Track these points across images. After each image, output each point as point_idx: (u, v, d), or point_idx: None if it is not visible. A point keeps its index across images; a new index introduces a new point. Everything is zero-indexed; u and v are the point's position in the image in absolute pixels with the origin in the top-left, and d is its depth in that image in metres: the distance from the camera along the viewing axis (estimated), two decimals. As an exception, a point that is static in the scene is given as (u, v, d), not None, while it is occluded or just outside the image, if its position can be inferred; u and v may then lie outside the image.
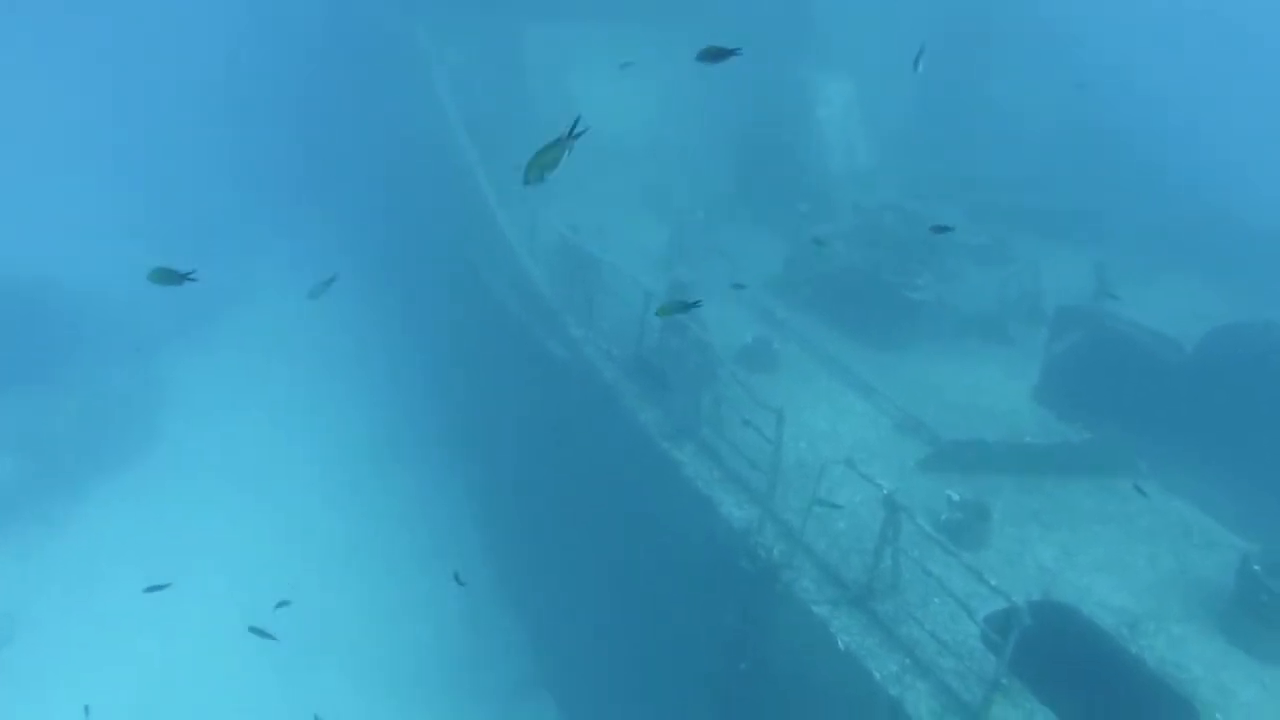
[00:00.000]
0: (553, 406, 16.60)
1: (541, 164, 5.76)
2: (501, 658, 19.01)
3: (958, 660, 9.93)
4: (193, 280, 7.09)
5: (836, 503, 11.54)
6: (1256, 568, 10.78)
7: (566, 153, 5.74)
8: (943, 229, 11.71)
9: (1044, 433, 14.57)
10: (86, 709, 14.60)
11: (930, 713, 9.52)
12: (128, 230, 32.08)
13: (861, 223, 18.37)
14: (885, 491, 10.33)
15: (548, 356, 16.14)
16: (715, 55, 7.49)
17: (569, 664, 17.55)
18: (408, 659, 19.11)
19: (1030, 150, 24.91)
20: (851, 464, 11.08)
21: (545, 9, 24.13)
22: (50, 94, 36.81)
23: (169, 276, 7.58)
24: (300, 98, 33.71)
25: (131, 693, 17.80)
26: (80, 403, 23.72)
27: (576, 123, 5.95)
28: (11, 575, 19.95)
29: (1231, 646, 10.83)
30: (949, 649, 9.97)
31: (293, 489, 22.39)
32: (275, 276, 31.63)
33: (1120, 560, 11.98)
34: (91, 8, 38.20)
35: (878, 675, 9.94)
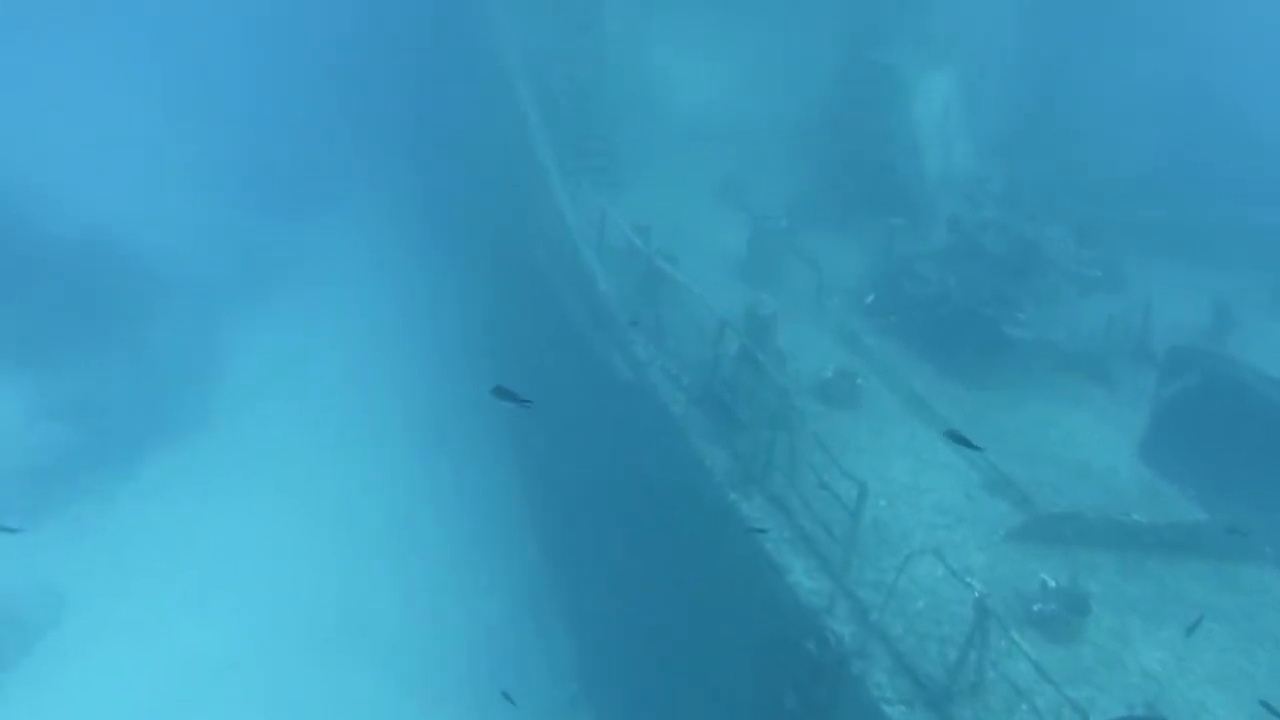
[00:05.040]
0: (613, 426, 15.60)
1: None
2: (546, 672, 18.27)
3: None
4: None
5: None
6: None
7: None
8: None
9: (1148, 498, 13.21)
10: None
11: None
12: (187, 183, 31.52)
13: (958, 242, 16.91)
14: (976, 594, 9.20)
15: (611, 374, 15.10)
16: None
17: (616, 682, 16.69)
18: (448, 659, 18.45)
19: (1151, 148, 22.90)
20: (939, 555, 9.94)
21: None
22: (109, 40, 36.14)
23: None
24: (372, 62, 32.84)
25: (171, 680, 17.37)
26: (139, 370, 23.27)
27: None
28: (63, 552, 19.56)
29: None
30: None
31: (339, 473, 21.77)
32: (339, 238, 31.02)
33: (1241, 670, 10.65)
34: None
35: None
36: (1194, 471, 13.66)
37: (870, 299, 16.77)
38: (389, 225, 31.03)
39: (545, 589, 18.76)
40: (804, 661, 10.42)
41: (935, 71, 21.74)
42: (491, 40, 21.86)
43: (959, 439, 8.88)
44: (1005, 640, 9.30)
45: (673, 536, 13.70)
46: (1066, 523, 12.24)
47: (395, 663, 18.08)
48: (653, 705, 14.62)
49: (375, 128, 32.96)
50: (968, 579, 9.57)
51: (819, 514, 11.52)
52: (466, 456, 21.77)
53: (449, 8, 25.75)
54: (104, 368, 22.78)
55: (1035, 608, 10.83)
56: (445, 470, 21.88)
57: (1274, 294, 18.95)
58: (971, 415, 14.50)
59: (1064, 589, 10.92)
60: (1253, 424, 13.63)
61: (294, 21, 37.24)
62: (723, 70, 22.33)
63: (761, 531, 11.34)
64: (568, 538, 17.94)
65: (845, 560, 10.90)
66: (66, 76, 33.37)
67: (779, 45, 22.67)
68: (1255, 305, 18.27)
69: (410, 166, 31.01)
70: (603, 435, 15.93)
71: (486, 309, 23.34)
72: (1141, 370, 15.87)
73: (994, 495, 12.98)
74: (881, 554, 11.52)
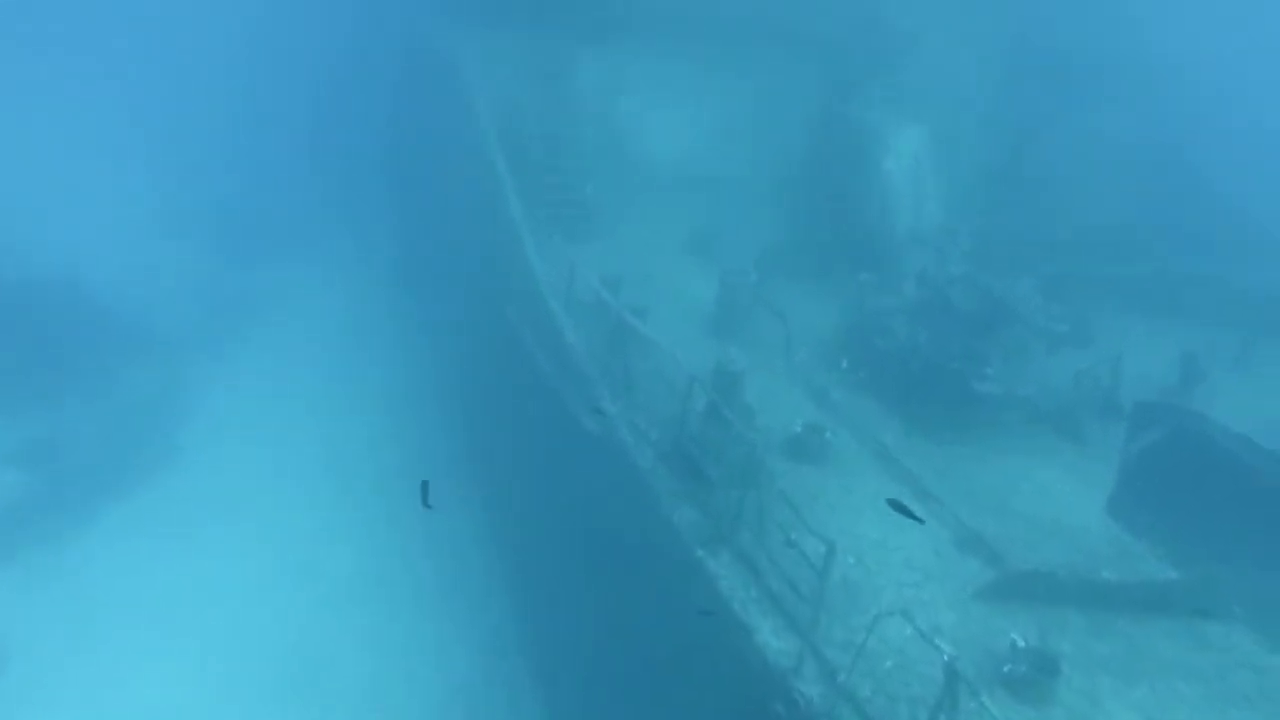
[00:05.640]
0: (581, 481, 15.42)
1: None
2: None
3: None
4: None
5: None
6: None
7: None
8: None
9: (1119, 556, 13.15)
10: None
11: None
12: (155, 228, 31.36)
13: (926, 297, 16.97)
14: (946, 658, 9.06)
15: (578, 428, 14.95)
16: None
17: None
18: (416, 712, 18.05)
19: (1117, 204, 23.19)
20: (908, 616, 9.80)
21: (602, 32, 22.82)
22: (79, 86, 36.14)
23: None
24: (344, 112, 32.97)
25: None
26: (99, 415, 22.85)
27: None
28: (9, 600, 19.03)
29: None
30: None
31: (303, 521, 21.45)
32: (308, 285, 30.88)
33: (1212, 731, 10.55)
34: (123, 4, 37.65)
35: None
36: (1162, 526, 13.63)
37: (845, 364, 16.70)
38: (359, 273, 30.98)
39: (514, 642, 18.43)
40: (773, 722, 10.23)
41: (907, 127, 21.98)
42: (462, 90, 21.90)
43: (901, 509, 8.72)
44: (975, 703, 9.13)
45: (640, 593, 13.49)
46: (1037, 580, 12.14)
47: (362, 716, 17.68)
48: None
49: (347, 176, 32.98)
50: (937, 641, 9.44)
51: (787, 572, 11.37)
52: (436, 507, 21.44)
53: (421, 58, 25.85)
54: (64, 412, 22.32)
55: (1005, 668, 10.68)
56: (414, 521, 21.54)
57: (1239, 349, 19.11)
58: (941, 470, 14.46)
59: (1034, 649, 10.77)
60: (1218, 479, 13.60)
61: (266, 71, 37.40)
62: (695, 123, 22.49)
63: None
64: (537, 592, 17.67)
65: (814, 619, 10.73)
66: (33, 121, 33.27)
67: (752, 98, 22.88)
68: (1221, 360, 18.40)
69: (382, 216, 30.98)
70: (571, 489, 15.74)
71: (457, 358, 23.16)
72: (1111, 425, 15.88)
73: (964, 552, 12.88)
74: (850, 612, 11.37)
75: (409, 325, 27.17)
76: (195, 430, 24.35)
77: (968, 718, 9.39)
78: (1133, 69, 24.81)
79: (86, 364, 23.85)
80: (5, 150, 30.36)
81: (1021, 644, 10.87)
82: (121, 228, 30.57)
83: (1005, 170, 22.92)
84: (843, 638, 10.93)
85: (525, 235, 18.06)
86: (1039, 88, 24.09)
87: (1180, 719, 10.64)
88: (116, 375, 24.16)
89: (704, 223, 21.43)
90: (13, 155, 30.32)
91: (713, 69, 22.88)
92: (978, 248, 18.80)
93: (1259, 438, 13.67)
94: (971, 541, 12.97)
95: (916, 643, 10.51)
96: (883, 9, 23.13)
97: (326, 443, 23.88)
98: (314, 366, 26.75)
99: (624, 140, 22.38)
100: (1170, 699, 10.92)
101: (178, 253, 30.64)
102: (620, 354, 15.02)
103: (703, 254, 20.86)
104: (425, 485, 6.33)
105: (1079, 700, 10.73)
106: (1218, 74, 25.93)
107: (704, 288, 18.98)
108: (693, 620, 12.00)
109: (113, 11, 37.60)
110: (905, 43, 22.66)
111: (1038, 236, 20.99)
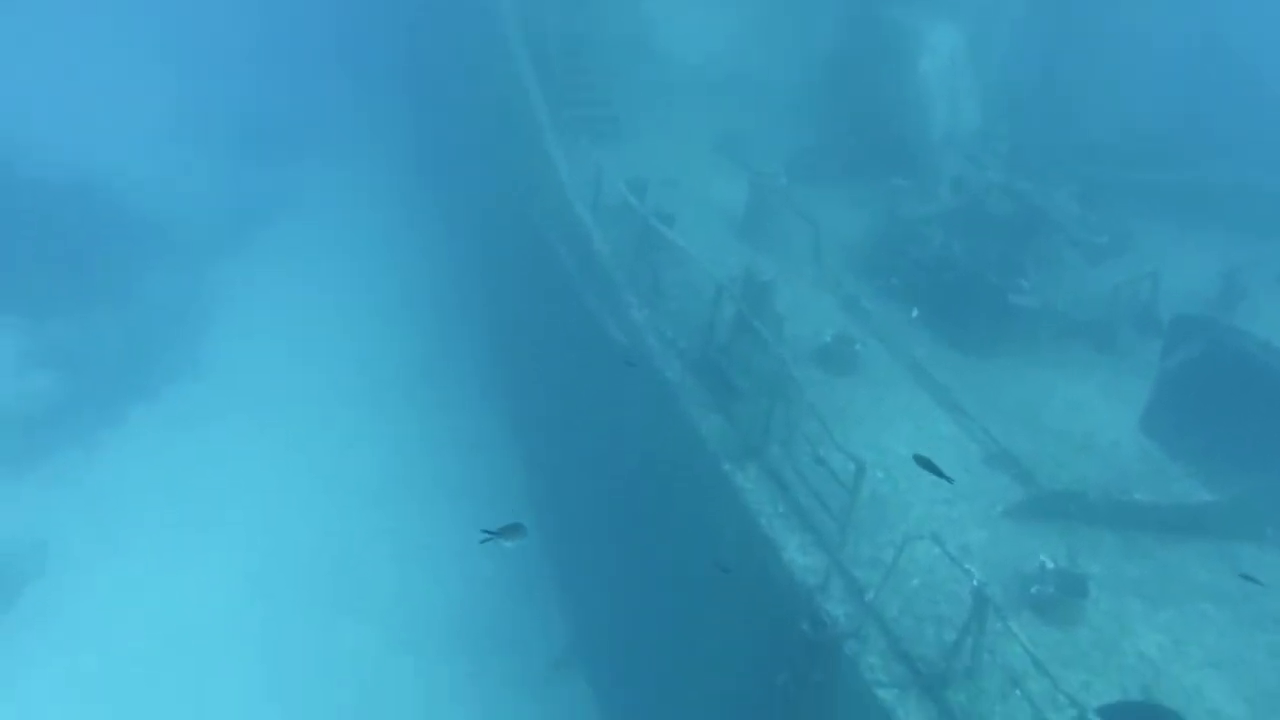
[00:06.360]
0: (606, 390, 15.29)
1: None
2: (536, 624, 18.18)
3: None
4: None
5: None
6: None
7: None
8: None
9: (1152, 474, 12.97)
10: None
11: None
12: (174, 131, 30.96)
13: (963, 204, 16.48)
14: (975, 583, 8.98)
15: (604, 335, 14.77)
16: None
17: (607, 651, 16.60)
18: (438, 615, 18.34)
19: (1162, 107, 22.27)
20: (937, 539, 9.69)
21: None
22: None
23: None
24: (364, 8, 32.10)
25: (156, 635, 17.20)
26: (124, 318, 22.91)
27: None
28: (46, 501, 19.34)
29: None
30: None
31: (329, 421, 21.59)
32: (330, 185, 30.52)
33: (1238, 655, 10.44)
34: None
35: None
36: (1196, 444, 13.39)
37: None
38: (381, 174, 30.59)
39: (539, 547, 18.58)
40: (798, 641, 10.22)
41: (942, 25, 21.03)
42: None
43: (929, 467, 8.50)
44: (1002, 625, 9.08)
45: (666, 506, 13.48)
46: (1067, 500, 12.00)
47: (389, 616, 17.99)
48: (644, 674, 14.50)
49: (367, 75, 32.31)
50: (966, 565, 9.34)
51: (815, 487, 11.26)
52: (461, 409, 21.53)
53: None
54: (91, 315, 22.48)
55: (1033, 590, 10.61)
56: (439, 422, 21.63)
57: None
58: (974, 384, 14.25)
59: (1062, 570, 10.69)
60: (1256, 395, 13.31)
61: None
62: (723, 19, 21.63)
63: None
64: (562, 499, 17.73)
65: (841, 538, 10.66)
66: (51, 24, 32.64)
67: None
68: (1265, 272, 17.87)
69: (403, 115, 30.42)
70: (596, 398, 15.64)
71: (482, 261, 22.90)
72: (1148, 339, 15.53)
73: (994, 469, 12.74)
74: (878, 529, 11.29)
75: (432, 227, 26.88)
76: (219, 332, 24.42)
77: (995, 638, 9.37)
78: None
79: (110, 268, 23.87)
80: (24, 56, 29.83)
81: (1050, 565, 10.78)
82: (141, 130, 30.18)
83: (1044, 72, 21.95)
84: (870, 555, 10.89)
85: (550, 136, 17.62)
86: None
87: (1207, 641, 10.58)
88: (140, 279, 24.22)
89: (732, 125, 20.83)
90: (32, 60, 29.82)
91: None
92: (1014, 154, 18.18)
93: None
94: (1002, 458, 12.82)
95: (943, 561, 10.42)
96: None
97: (351, 343, 23.87)
98: (337, 267, 26.60)
99: (650, 40, 21.61)
100: (1198, 621, 10.85)
101: (197, 155, 30.31)
102: (647, 260, 14.71)
103: (731, 157, 20.31)
104: (514, 529, 6.04)
105: (1106, 621, 10.67)
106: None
107: (732, 192, 18.49)
108: (719, 536, 12.00)
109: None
110: None
111: (1077, 142, 20.25)
